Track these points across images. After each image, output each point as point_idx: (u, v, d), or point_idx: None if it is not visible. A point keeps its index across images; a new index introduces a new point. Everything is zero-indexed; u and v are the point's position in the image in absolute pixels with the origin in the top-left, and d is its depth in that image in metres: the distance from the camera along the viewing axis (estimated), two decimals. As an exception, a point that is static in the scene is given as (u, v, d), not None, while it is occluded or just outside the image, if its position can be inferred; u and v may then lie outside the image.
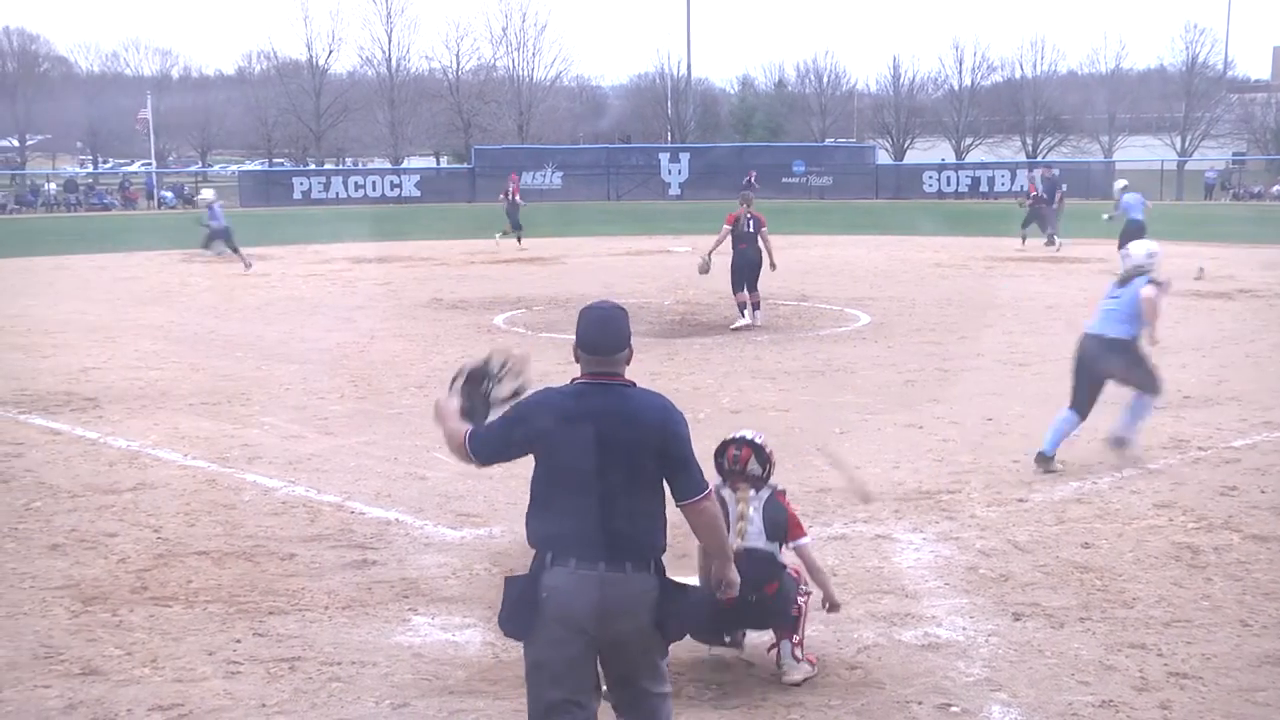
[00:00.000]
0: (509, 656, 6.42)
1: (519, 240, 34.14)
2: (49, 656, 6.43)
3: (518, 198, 35.16)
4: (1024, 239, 32.01)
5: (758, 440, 6.28)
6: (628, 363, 4.65)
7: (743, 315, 18.13)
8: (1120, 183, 29.36)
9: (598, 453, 4.42)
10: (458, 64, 79.66)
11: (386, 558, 8.00)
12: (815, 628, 6.75)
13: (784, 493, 6.29)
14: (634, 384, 4.62)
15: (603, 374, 4.59)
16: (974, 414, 12.11)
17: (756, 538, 6.05)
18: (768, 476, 6.23)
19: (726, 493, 6.14)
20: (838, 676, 6.16)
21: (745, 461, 6.21)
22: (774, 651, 6.19)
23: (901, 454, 10.56)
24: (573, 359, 4.66)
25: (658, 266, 27.82)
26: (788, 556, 6.23)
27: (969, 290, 22.99)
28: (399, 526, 8.67)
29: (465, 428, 4.81)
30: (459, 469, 10.11)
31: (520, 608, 4.52)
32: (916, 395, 13.21)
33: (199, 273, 27.98)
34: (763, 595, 5.98)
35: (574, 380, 4.62)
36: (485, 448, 4.74)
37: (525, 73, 79.45)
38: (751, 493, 6.16)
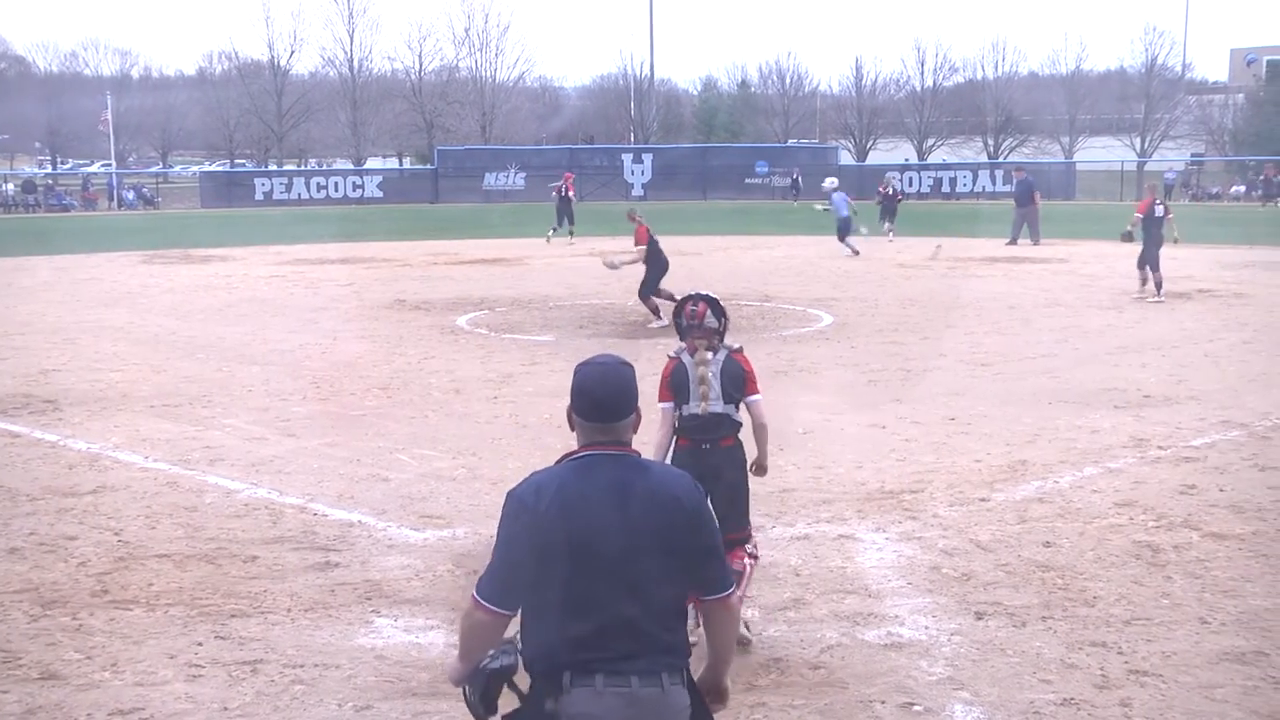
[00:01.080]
0: (473, 658, 6.41)
1: (552, 233, 35.21)
2: (7, 661, 6.37)
3: (571, 194, 36.18)
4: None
5: (712, 295, 6.68)
6: (635, 429, 3.77)
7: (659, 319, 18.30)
8: (830, 181, 33.58)
9: (620, 541, 3.55)
10: (420, 65, 79.51)
11: (349, 560, 7.97)
12: (778, 628, 6.78)
13: (740, 350, 6.64)
14: (640, 454, 3.76)
15: (609, 444, 3.70)
16: (936, 414, 12.17)
17: (716, 402, 6.44)
18: (724, 330, 6.62)
19: (688, 357, 6.51)
20: (801, 676, 6.18)
21: (702, 316, 6.59)
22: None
23: (864, 454, 10.60)
24: (567, 420, 3.78)
25: (623, 269, 27.80)
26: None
27: (931, 291, 23.11)
28: (362, 528, 8.64)
29: (469, 607, 3.71)
30: (423, 470, 10.10)
31: None
32: (879, 395, 13.27)
33: (160, 274, 27.78)
34: (718, 447, 6.45)
35: (569, 456, 3.73)
36: (500, 585, 3.62)
37: (488, 73, 79.35)
38: (709, 355, 6.48)
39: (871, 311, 20.06)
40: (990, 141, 78.16)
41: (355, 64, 77.98)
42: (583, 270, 26.93)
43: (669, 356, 6.68)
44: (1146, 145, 74.39)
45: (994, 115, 77.73)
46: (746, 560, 6.60)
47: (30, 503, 9.28)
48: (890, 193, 38.82)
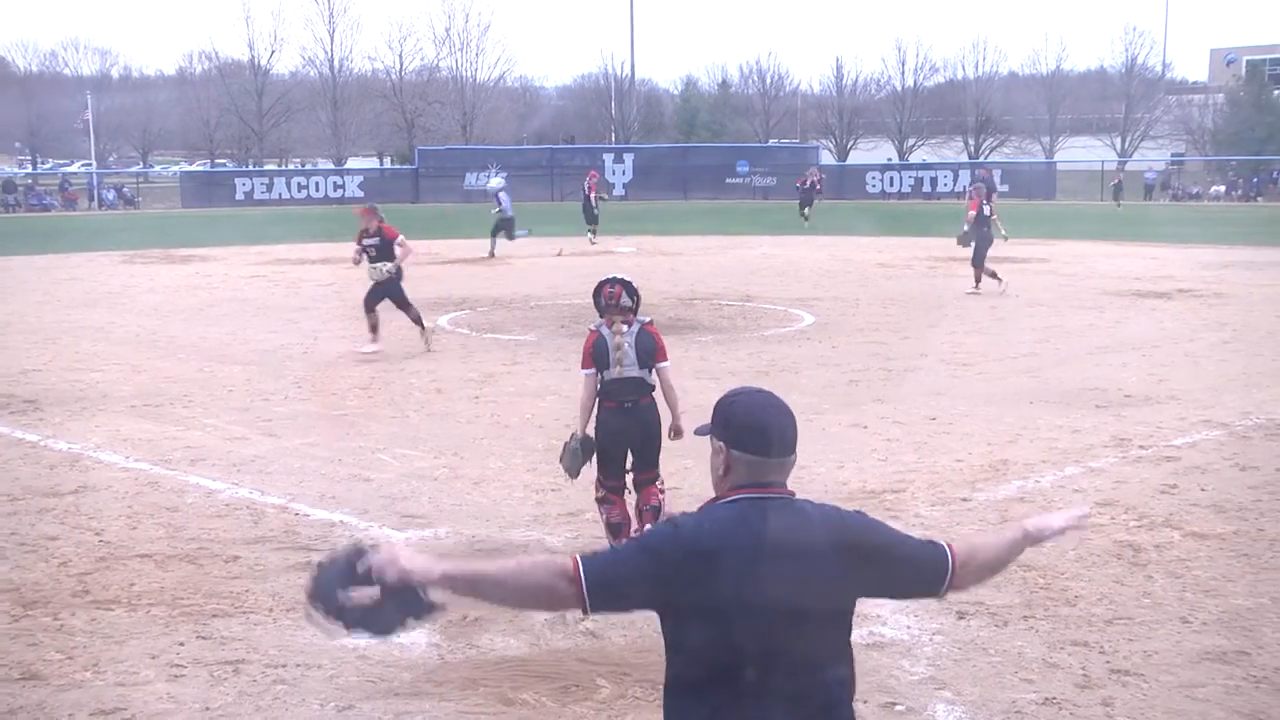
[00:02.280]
0: (454, 658, 6.42)
1: (592, 235, 34.89)
2: (-12, 662, 6.36)
3: (592, 195, 35.77)
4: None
5: (627, 279, 7.82)
6: (789, 471, 3.38)
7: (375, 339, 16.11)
8: (495, 181, 34.78)
9: (783, 596, 3.13)
10: (401, 64, 79.28)
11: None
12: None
13: (652, 323, 7.88)
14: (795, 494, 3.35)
15: (771, 485, 3.28)
16: (918, 413, 12.20)
17: (631, 366, 7.61)
18: (636, 307, 7.78)
19: (606, 330, 7.65)
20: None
21: (619, 297, 7.71)
22: (638, 533, 7.46)
23: (846, 454, 10.62)
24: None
25: (603, 267, 27.76)
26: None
27: (912, 290, 23.18)
28: (344, 528, 8.62)
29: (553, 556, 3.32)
30: (404, 470, 10.09)
31: None
32: (861, 395, 13.30)
33: (141, 274, 27.67)
34: (638, 406, 7.68)
35: (722, 498, 3.30)
36: (610, 578, 3.19)
37: (468, 73, 79.20)
38: (624, 328, 7.64)
39: (852, 311, 20.10)
40: (971, 141, 78.34)
41: (336, 64, 77.82)
42: (564, 270, 26.92)
43: (589, 330, 7.84)
44: (1127, 145, 74.68)
45: (974, 115, 77.92)
46: (660, 496, 7.94)
47: (11, 503, 9.24)
48: (809, 185, 42.49)
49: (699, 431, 3.51)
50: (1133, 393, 13.16)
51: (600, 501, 7.94)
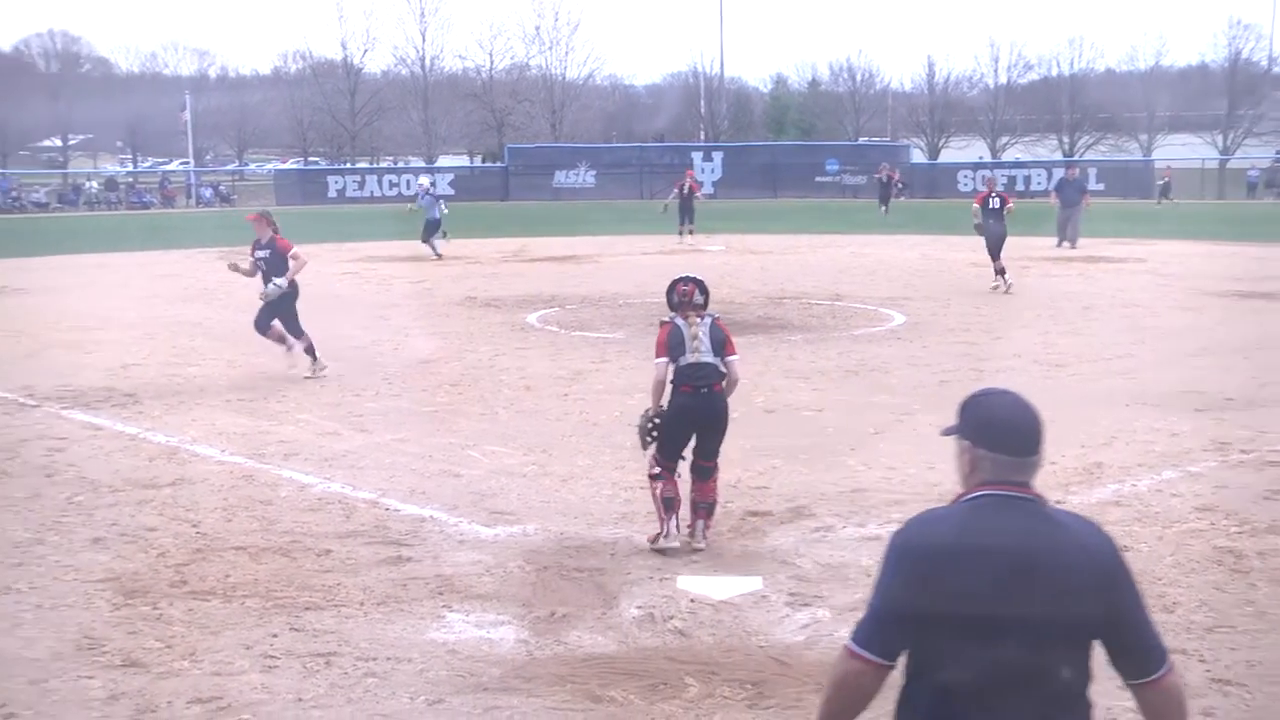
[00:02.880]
0: (543, 654, 6.45)
1: (686, 234, 34.36)
2: (92, 648, 6.50)
3: (684, 191, 35.11)
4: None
5: (699, 277, 8.33)
6: (1036, 472, 3.29)
7: (288, 350, 14.72)
8: (424, 180, 34.99)
9: (1021, 603, 3.06)
10: (491, 63, 79.85)
11: (421, 554, 8.03)
12: (849, 628, 6.72)
13: (720, 318, 8.25)
14: (1045, 499, 3.27)
15: (1018, 484, 3.21)
16: (945, 435, 12.00)
17: (707, 353, 7.97)
18: (706, 304, 8.22)
19: (680, 321, 8.06)
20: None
21: (691, 294, 8.18)
22: (691, 529, 8.09)
23: (936, 455, 10.46)
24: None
25: (691, 265, 27.67)
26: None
27: (1004, 290, 22.84)
28: (433, 523, 8.70)
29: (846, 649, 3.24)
30: (493, 467, 10.15)
31: None
32: (952, 395, 13.01)
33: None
34: (712, 392, 7.98)
35: (965, 496, 3.27)
36: (883, 635, 3.17)
37: (558, 71, 79.55)
38: (699, 320, 8.04)
39: (943, 311, 19.89)
40: (1065, 139, 77.17)
41: (427, 62, 78.55)
42: (652, 268, 26.92)
43: (662, 322, 8.21)
44: (1229, 142, 73.04)
45: (1070, 112, 76.74)
46: (717, 493, 8.26)
47: (112, 494, 9.44)
48: (886, 180, 44.12)
49: (945, 432, 3.42)
50: (1234, 396, 12.87)
51: (654, 478, 8.15)
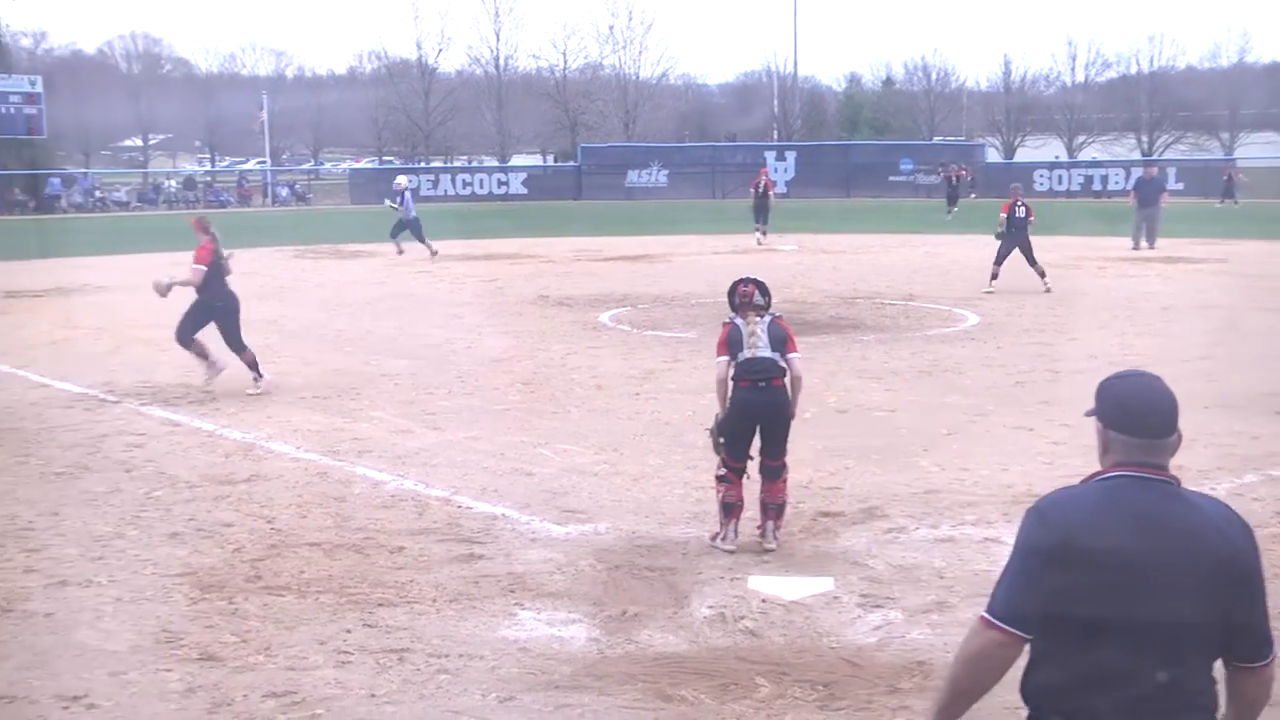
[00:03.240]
0: (614, 653, 6.46)
1: (760, 234, 33.81)
2: (169, 641, 6.60)
3: (759, 190, 34.46)
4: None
5: (759, 279, 8.44)
6: (1174, 452, 3.35)
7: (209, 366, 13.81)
8: (402, 180, 33.58)
9: (1147, 579, 3.14)
10: (565, 62, 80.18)
11: (493, 552, 8.07)
12: (922, 631, 6.70)
13: (782, 317, 8.36)
14: (1179, 481, 3.32)
15: (1150, 466, 3.28)
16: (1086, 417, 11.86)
17: (764, 349, 8.05)
18: (768, 305, 8.32)
19: (740, 321, 8.17)
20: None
21: (752, 295, 8.30)
22: (761, 529, 8.14)
23: (1010, 456, 10.41)
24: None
25: (763, 265, 27.69)
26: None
27: (1081, 290, 22.58)
28: (505, 521, 8.74)
29: (976, 631, 3.30)
30: (565, 465, 10.19)
31: None
32: (1026, 397, 13.01)
33: (311, 269, 28.47)
34: (771, 386, 8.04)
35: (1098, 475, 3.35)
36: (1021, 607, 3.21)
37: (631, 71, 79.70)
38: (757, 318, 8.16)
39: (1018, 312, 19.68)
40: (1144, 138, 76.05)
41: (501, 62, 79.02)
42: (724, 268, 26.86)
43: (723, 323, 8.33)
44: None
45: (1149, 111, 75.60)
46: (786, 494, 8.26)
47: (189, 489, 9.59)
48: (954, 180, 44.55)
49: (1088, 414, 3.47)
50: (1316, 398, 12.62)
51: (720, 479, 8.16)
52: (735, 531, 8.08)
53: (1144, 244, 30.76)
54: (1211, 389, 13.22)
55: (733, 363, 8.11)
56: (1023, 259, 22.18)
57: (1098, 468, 3.38)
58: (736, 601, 7.19)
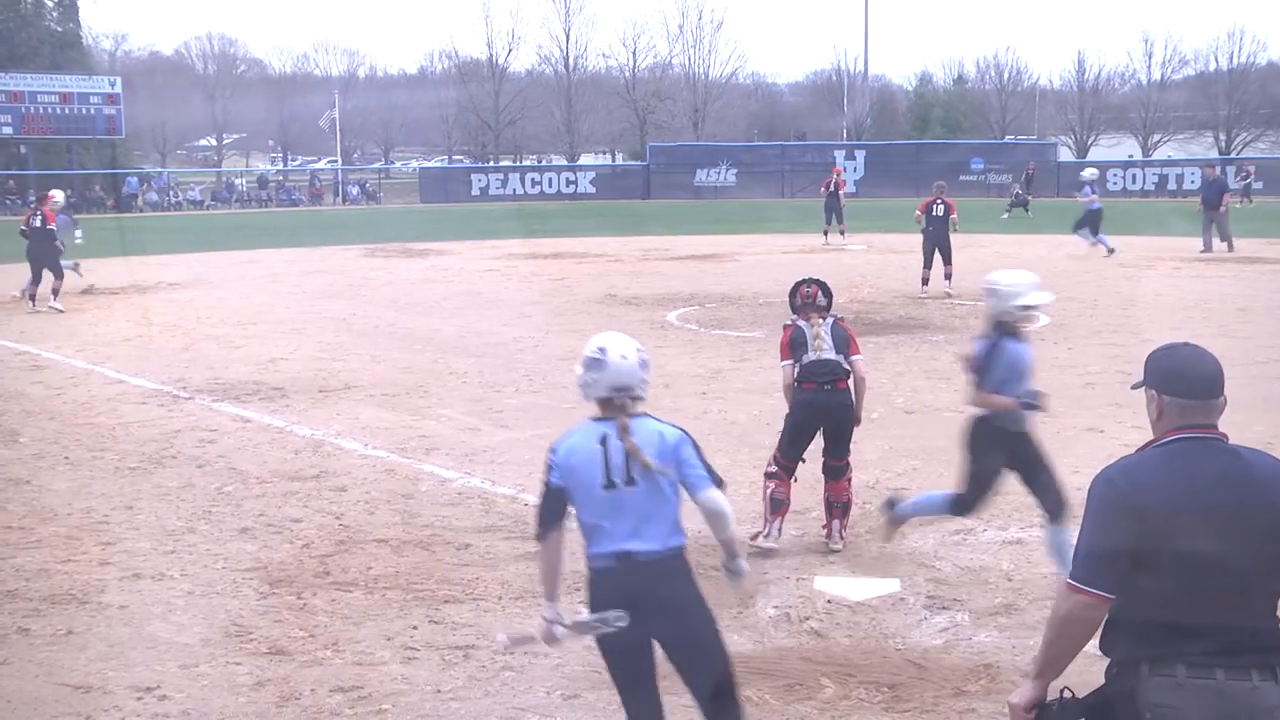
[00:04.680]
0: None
1: (838, 233, 33.31)
2: (239, 635, 6.69)
3: (830, 189, 33.95)
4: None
5: (822, 280, 8.52)
6: (1220, 414, 3.61)
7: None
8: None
9: (1216, 530, 3.40)
10: (634, 61, 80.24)
11: (559, 550, 8.08)
12: (989, 633, 6.64)
13: (844, 319, 8.43)
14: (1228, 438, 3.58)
15: (1200, 426, 3.55)
16: (1134, 390, 11.68)
17: (829, 351, 8.03)
18: (829, 306, 8.38)
19: (803, 323, 8.18)
20: (1012, 684, 6.02)
21: (814, 296, 8.34)
22: (827, 529, 8.16)
23: (1081, 459, 10.27)
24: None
25: (831, 265, 27.61)
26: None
27: (1155, 291, 22.26)
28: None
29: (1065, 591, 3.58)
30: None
31: None
32: (1097, 398, 12.85)
33: (381, 267, 28.72)
34: (836, 389, 8.02)
35: (1155, 442, 3.61)
36: (1102, 570, 3.48)
37: (701, 70, 79.59)
38: (821, 320, 8.15)
39: (1090, 312, 19.44)
40: (1222, 136, 74.82)
41: (570, 61, 79.17)
42: (793, 268, 26.74)
43: (785, 326, 8.34)
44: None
45: (1228, 108, 74.35)
46: (850, 493, 8.25)
47: (259, 485, 9.71)
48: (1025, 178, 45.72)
49: (1135, 386, 3.77)
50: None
51: (769, 476, 8.15)
52: (779, 530, 8.06)
53: (1220, 245, 29.77)
54: (1289, 392, 13.00)
55: (796, 365, 8.09)
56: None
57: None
58: (802, 602, 7.16)
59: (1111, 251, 28.37)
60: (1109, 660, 3.58)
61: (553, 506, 4.84)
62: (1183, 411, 3.55)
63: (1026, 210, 45.25)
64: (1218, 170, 34.50)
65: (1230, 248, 29.53)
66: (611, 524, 4.75)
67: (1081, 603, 3.48)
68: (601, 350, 4.84)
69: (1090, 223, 29.74)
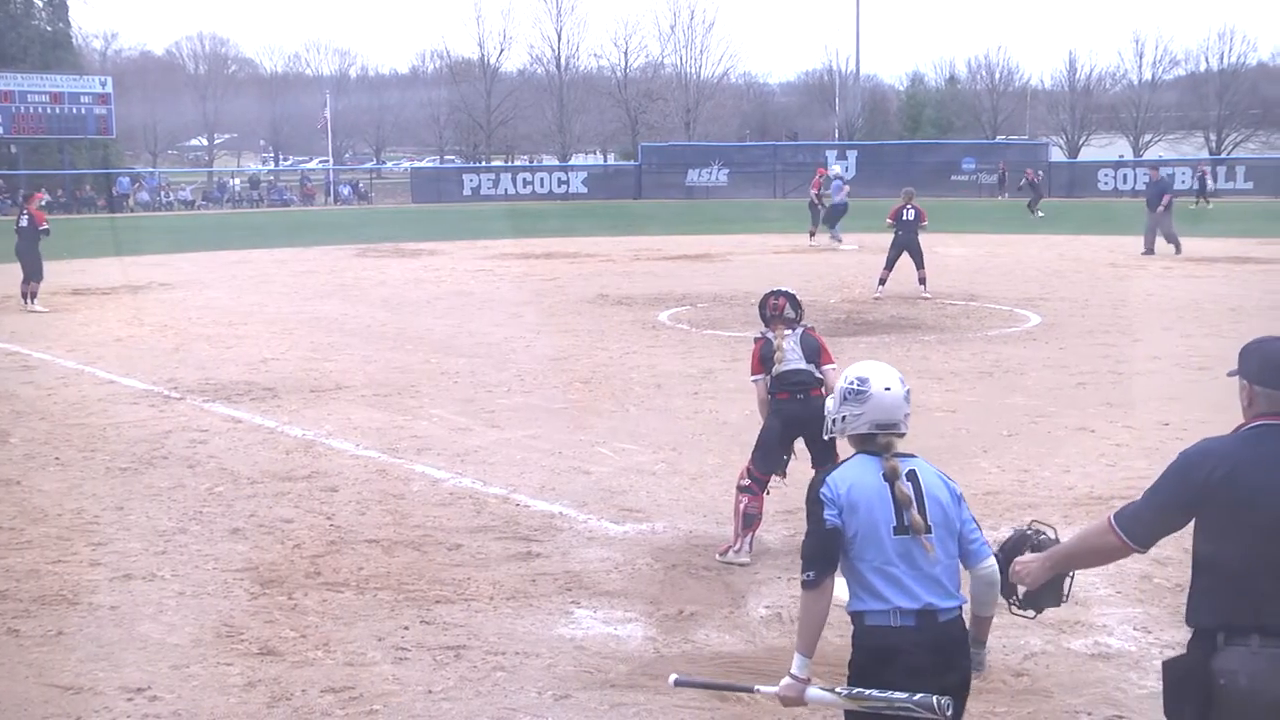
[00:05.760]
0: (670, 652, 6.46)
1: (836, 240, 33.04)
2: (230, 635, 6.68)
3: (814, 192, 34.68)
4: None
5: (791, 291, 8.43)
6: None
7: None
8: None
9: None
10: (626, 62, 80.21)
11: (550, 550, 8.10)
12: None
13: (814, 329, 8.44)
14: None
15: None
16: (1149, 418, 11.74)
17: (795, 360, 8.06)
18: (799, 319, 8.31)
19: (769, 334, 8.21)
20: (1003, 683, 6.04)
21: (782, 309, 8.29)
22: None
23: (1072, 458, 10.31)
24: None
25: (823, 264, 27.65)
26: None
27: (1145, 291, 22.31)
28: (563, 520, 8.76)
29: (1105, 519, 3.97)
30: (623, 464, 10.20)
31: (1188, 695, 3.81)
32: (1088, 398, 12.87)
33: (372, 267, 28.69)
34: (809, 398, 7.90)
35: (1245, 427, 3.87)
36: (1142, 526, 3.88)
37: (692, 70, 79.59)
38: (787, 332, 8.17)
39: (1081, 312, 19.47)
40: (1213, 136, 74.97)
41: (562, 61, 79.15)
42: (784, 267, 26.80)
43: (755, 339, 8.38)
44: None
45: (1218, 108, 74.51)
46: None
47: (251, 486, 9.69)
48: (1036, 179, 45.60)
49: (1231, 374, 4.02)
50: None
51: (743, 489, 8.03)
52: (750, 544, 7.94)
53: (1167, 247, 28.86)
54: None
55: (769, 377, 8.13)
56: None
57: (1159, 470, 3.90)
58: (793, 602, 7.15)
59: (840, 242, 31.32)
60: (1193, 632, 3.85)
61: (830, 548, 4.12)
62: (1270, 400, 3.83)
63: (1034, 211, 44.87)
64: (1161, 172, 33.97)
65: (1178, 249, 28.80)
66: (903, 574, 4.11)
67: (1113, 544, 3.93)
68: (863, 381, 4.24)
69: (833, 218, 31.87)
